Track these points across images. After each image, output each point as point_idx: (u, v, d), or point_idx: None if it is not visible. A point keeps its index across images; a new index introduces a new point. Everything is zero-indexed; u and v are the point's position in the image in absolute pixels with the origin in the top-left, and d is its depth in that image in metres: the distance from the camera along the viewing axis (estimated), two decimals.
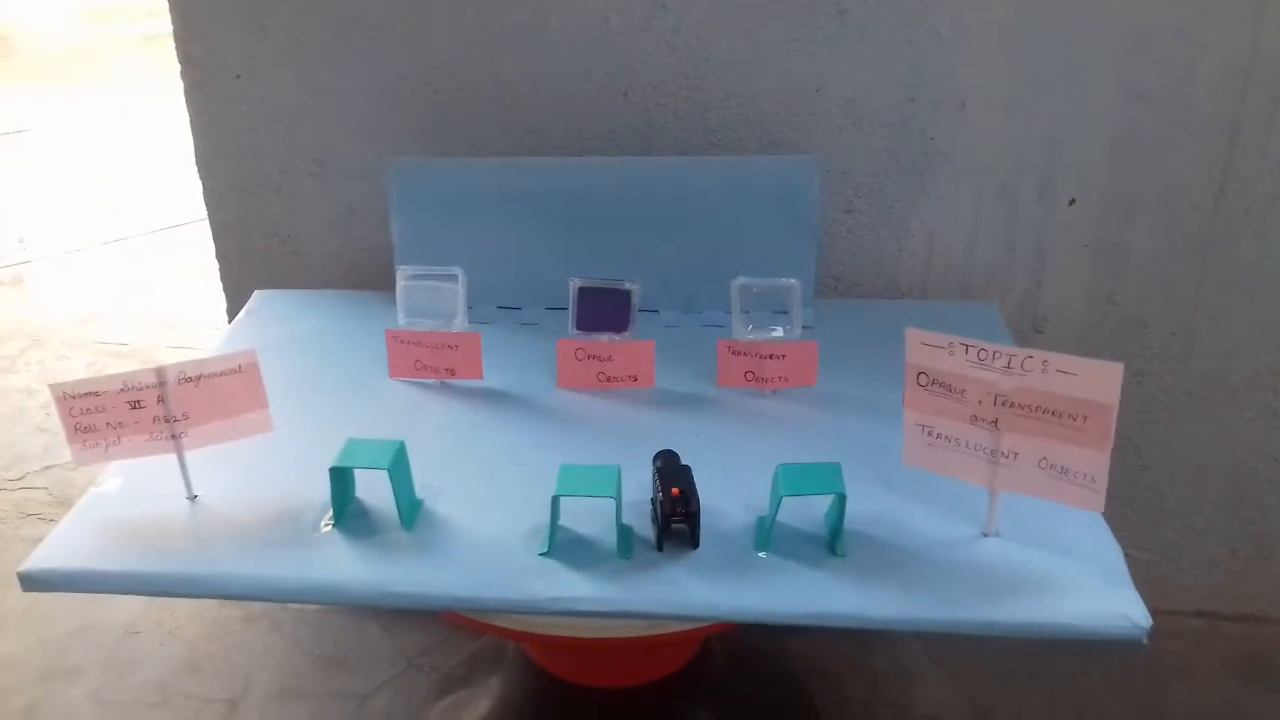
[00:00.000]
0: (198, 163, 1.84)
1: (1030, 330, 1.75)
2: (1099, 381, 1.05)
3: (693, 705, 1.55)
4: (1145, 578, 1.12)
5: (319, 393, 1.50)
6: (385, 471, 1.17)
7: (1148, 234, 1.68)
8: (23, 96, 5.54)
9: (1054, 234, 1.70)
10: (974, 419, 1.13)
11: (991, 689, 1.78)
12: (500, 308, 1.69)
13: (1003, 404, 1.11)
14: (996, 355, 1.10)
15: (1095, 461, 1.07)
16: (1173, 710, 1.74)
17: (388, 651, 1.87)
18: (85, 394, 1.21)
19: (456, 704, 1.71)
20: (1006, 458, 1.12)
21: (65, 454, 1.22)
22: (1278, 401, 1.75)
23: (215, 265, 1.90)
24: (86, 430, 1.22)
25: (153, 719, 1.78)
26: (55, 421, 1.22)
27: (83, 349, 3.07)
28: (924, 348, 1.14)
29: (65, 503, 2.34)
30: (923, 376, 1.15)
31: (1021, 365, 1.09)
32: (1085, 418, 1.07)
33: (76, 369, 2.97)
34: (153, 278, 3.56)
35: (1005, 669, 1.77)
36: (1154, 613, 1.07)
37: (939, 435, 1.16)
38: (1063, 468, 1.10)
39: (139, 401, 1.22)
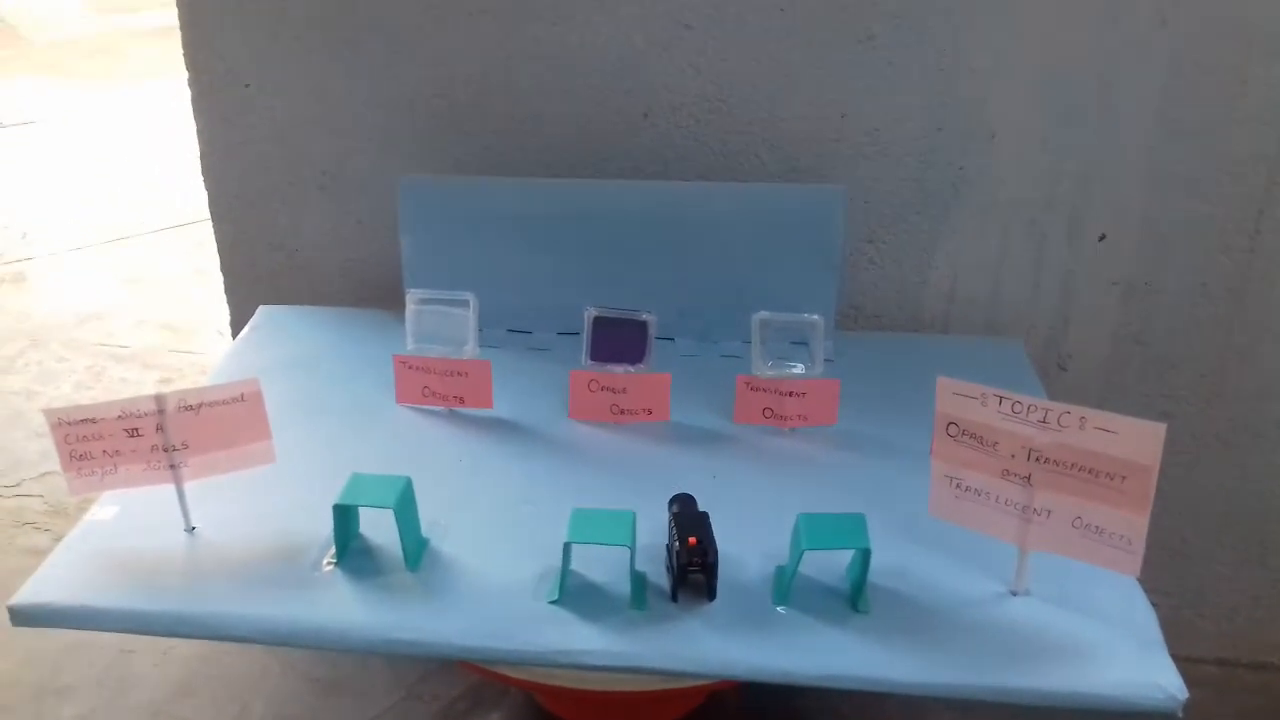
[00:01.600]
0: (204, 172, 1.80)
1: (1055, 368, 1.70)
2: (1140, 441, 1.01)
3: None
4: (1166, 623, 1.09)
5: (323, 417, 1.45)
6: (391, 510, 1.13)
7: (1179, 273, 1.63)
8: (30, 88, 5.49)
9: (1082, 270, 1.65)
10: (1006, 473, 1.08)
11: None
12: (510, 331, 1.64)
13: (1036, 459, 1.06)
14: (1032, 409, 1.05)
15: (1133, 524, 1.03)
16: None
17: (386, 678, 1.82)
18: (81, 420, 1.17)
19: None
20: (1039, 515, 1.08)
21: None
22: None
23: (219, 271, 1.86)
24: (82, 458, 1.18)
25: None
26: None
27: (82, 351, 3.02)
28: (955, 397, 1.10)
29: (61, 512, 2.30)
30: (953, 427, 1.10)
31: (1058, 420, 1.04)
32: (1124, 478, 1.02)
33: (76, 371, 2.93)
34: (156, 278, 3.51)
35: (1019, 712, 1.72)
36: (1174, 659, 1.04)
37: (968, 488, 1.11)
38: (1098, 528, 1.05)
39: (137, 430, 1.18)
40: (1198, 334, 1.66)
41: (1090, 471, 1.04)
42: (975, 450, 1.09)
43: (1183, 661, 1.04)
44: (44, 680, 1.84)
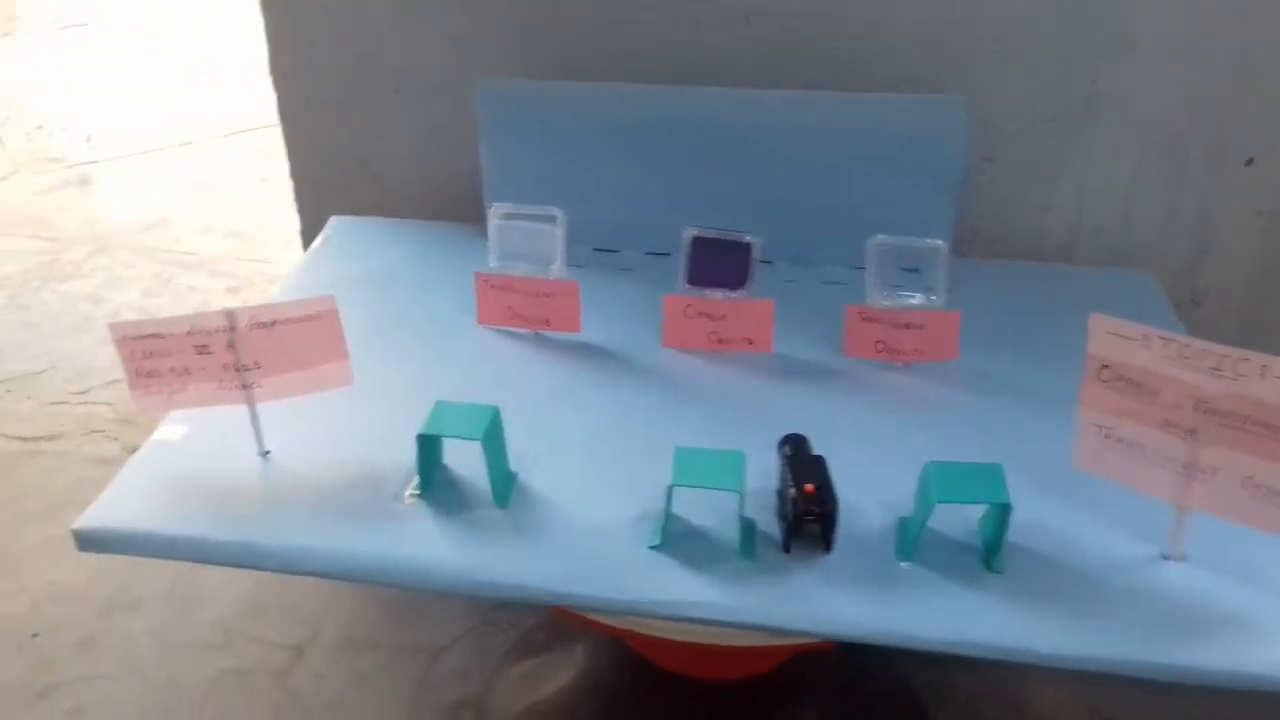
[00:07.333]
0: (273, 74, 1.70)
1: (1188, 303, 1.56)
2: None
3: (788, 699, 1.42)
4: None
5: (401, 337, 1.37)
6: (478, 442, 1.04)
7: None
8: None
9: (1224, 197, 1.50)
10: (1167, 424, 0.97)
11: (1113, 691, 1.63)
12: (596, 250, 1.54)
13: (1204, 411, 0.94)
14: (1204, 354, 0.93)
15: None
16: None
17: (461, 604, 1.76)
18: (148, 335, 1.09)
19: (535, 670, 1.60)
20: (1203, 472, 0.96)
21: None
22: None
23: (286, 178, 1.78)
24: (149, 375, 1.11)
25: (214, 661, 1.69)
26: None
27: (150, 257, 2.97)
28: (1111, 338, 0.98)
29: (130, 421, 2.25)
30: (1106, 371, 0.99)
31: (1235, 368, 0.92)
32: None
33: (143, 277, 2.87)
34: (223, 184, 3.44)
35: (1161, 688, 1.61)
36: None
37: (1120, 439, 1.00)
38: (1272, 490, 0.93)
39: (207, 347, 1.10)
40: None
41: (1268, 427, 0.91)
42: (1131, 398, 0.98)
43: None
44: (113, 594, 1.80)
